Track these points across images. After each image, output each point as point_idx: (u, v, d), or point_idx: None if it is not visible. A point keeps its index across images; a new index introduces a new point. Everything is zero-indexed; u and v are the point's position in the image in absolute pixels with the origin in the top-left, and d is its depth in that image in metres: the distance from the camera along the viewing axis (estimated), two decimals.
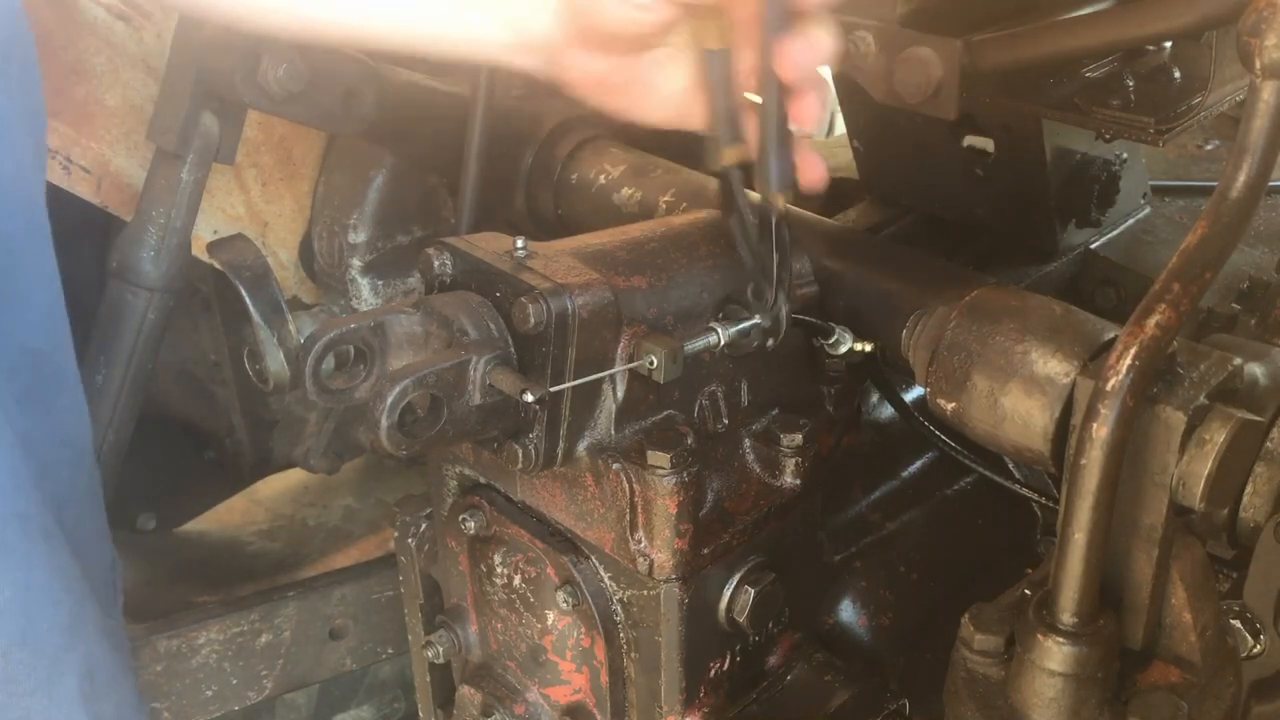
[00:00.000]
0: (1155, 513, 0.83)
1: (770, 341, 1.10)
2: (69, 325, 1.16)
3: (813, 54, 0.99)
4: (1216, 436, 0.80)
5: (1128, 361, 0.77)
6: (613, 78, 1.10)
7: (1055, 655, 0.83)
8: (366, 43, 1.21)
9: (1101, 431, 0.77)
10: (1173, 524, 0.84)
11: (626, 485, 1.05)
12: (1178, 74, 1.38)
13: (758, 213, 1.08)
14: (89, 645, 1.16)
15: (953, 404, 0.90)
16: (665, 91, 1.09)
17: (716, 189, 1.40)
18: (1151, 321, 0.78)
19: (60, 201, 1.37)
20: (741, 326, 1.08)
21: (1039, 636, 0.83)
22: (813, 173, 1.05)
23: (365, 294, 1.68)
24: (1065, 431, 0.85)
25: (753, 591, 1.14)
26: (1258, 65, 0.80)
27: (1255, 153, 0.82)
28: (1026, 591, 0.90)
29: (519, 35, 1.10)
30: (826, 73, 1.11)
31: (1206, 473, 0.80)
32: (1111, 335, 0.86)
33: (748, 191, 1.09)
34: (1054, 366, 0.85)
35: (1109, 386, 0.77)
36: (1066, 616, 0.82)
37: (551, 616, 1.19)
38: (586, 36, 1.06)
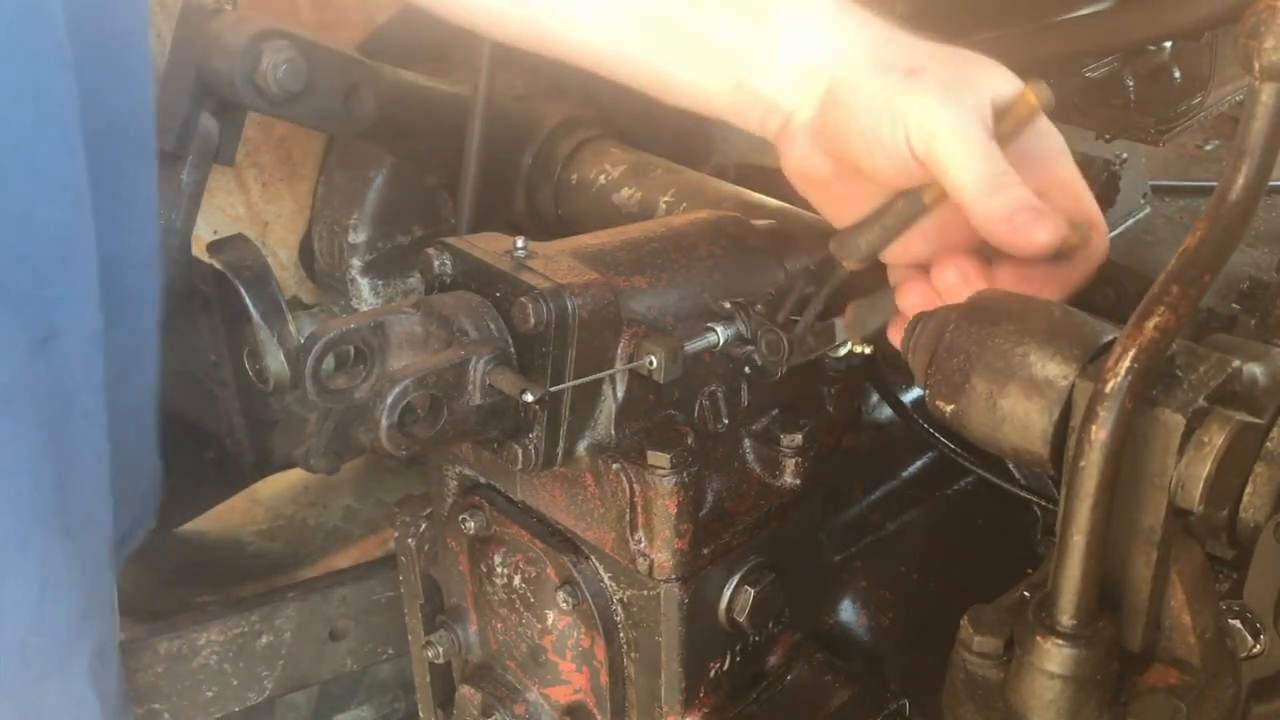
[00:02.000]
0: (1154, 515, 0.83)
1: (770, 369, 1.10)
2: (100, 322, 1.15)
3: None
4: (1215, 439, 0.80)
5: (1126, 364, 0.77)
6: (828, 184, 1.08)
7: (1054, 657, 0.82)
8: (591, 69, 1.15)
9: (1100, 434, 0.77)
10: (1172, 526, 0.84)
11: (626, 485, 1.06)
12: (1178, 74, 1.38)
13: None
14: (101, 624, 1.17)
15: (952, 406, 0.90)
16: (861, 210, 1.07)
17: (716, 189, 1.40)
18: (1150, 324, 0.78)
19: None
20: (738, 352, 1.09)
21: (1038, 638, 0.83)
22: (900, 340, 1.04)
23: (365, 294, 1.68)
24: (1064, 434, 0.85)
25: (753, 591, 1.14)
26: (1257, 67, 0.80)
27: (1254, 155, 0.82)
28: (1025, 593, 0.90)
29: (759, 101, 1.07)
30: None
31: (1205, 475, 0.80)
32: (1110, 338, 0.86)
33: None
34: (1053, 369, 0.85)
35: (1108, 389, 0.77)
36: (1065, 619, 0.82)
37: (551, 616, 1.19)
38: (826, 143, 1.04)
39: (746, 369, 1.10)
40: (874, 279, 1.10)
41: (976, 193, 0.93)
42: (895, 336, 1.04)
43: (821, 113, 1.03)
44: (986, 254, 1.02)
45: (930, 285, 1.03)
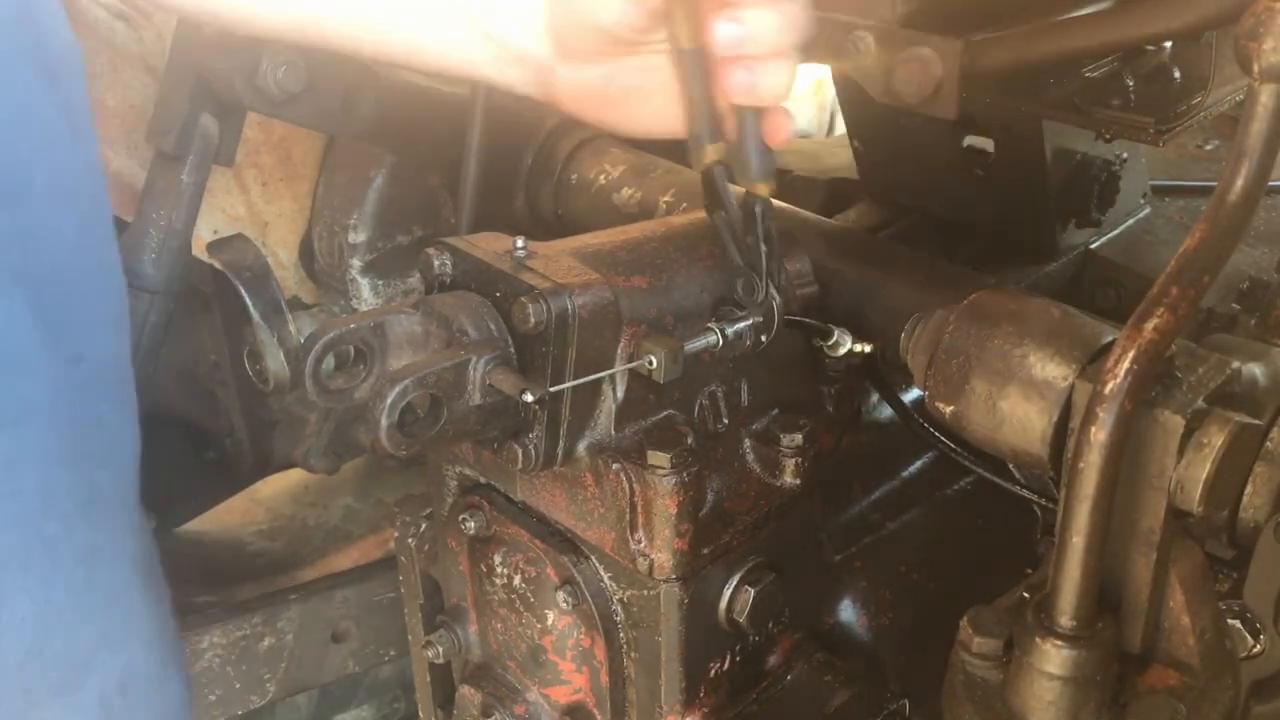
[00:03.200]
0: (1154, 516, 0.83)
1: (763, 338, 1.10)
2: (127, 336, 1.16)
3: (764, 87, 1.00)
4: (1215, 440, 0.80)
5: (1126, 365, 0.77)
6: (605, 89, 1.09)
7: (1054, 659, 0.83)
8: (352, 51, 1.19)
9: (1100, 435, 0.77)
10: (1171, 527, 0.84)
11: (626, 485, 1.06)
12: (1178, 74, 1.38)
13: (743, 207, 1.08)
14: (128, 656, 1.16)
15: (951, 407, 0.90)
16: (658, 99, 1.08)
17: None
18: (1150, 325, 0.78)
19: None
20: (738, 327, 1.08)
21: (1037, 640, 0.83)
22: (781, 131, 1.05)
23: (365, 294, 1.68)
24: (1064, 435, 0.85)
25: (753, 591, 1.14)
26: (1256, 69, 0.80)
27: (1253, 156, 0.82)
28: (1025, 594, 0.90)
29: (504, 50, 1.09)
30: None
31: (1205, 476, 0.80)
32: (1110, 338, 0.86)
33: (732, 187, 1.08)
34: (1052, 370, 0.86)
35: (1107, 390, 0.77)
36: (1065, 620, 0.82)
37: (551, 616, 1.19)
38: (574, 45, 1.06)
39: (750, 341, 1.09)
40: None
41: None
42: (773, 134, 1.05)
43: (555, 30, 1.06)
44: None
45: (737, 63, 1.02)
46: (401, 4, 1.10)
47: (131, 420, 1.16)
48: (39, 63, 0.99)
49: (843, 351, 1.15)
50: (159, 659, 1.22)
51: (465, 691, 1.32)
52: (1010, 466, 1.32)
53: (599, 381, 1.05)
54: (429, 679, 1.45)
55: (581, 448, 1.07)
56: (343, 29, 1.14)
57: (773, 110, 1.04)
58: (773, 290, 1.08)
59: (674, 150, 1.60)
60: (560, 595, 1.14)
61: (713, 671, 1.17)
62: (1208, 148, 2.00)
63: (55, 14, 1.03)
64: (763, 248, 1.07)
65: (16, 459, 1.00)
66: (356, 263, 1.67)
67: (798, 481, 1.16)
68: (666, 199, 1.48)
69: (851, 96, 1.66)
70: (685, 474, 1.05)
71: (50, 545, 1.04)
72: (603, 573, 1.14)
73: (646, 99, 1.09)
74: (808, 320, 1.17)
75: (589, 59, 1.07)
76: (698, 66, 1.03)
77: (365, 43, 1.15)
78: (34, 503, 1.01)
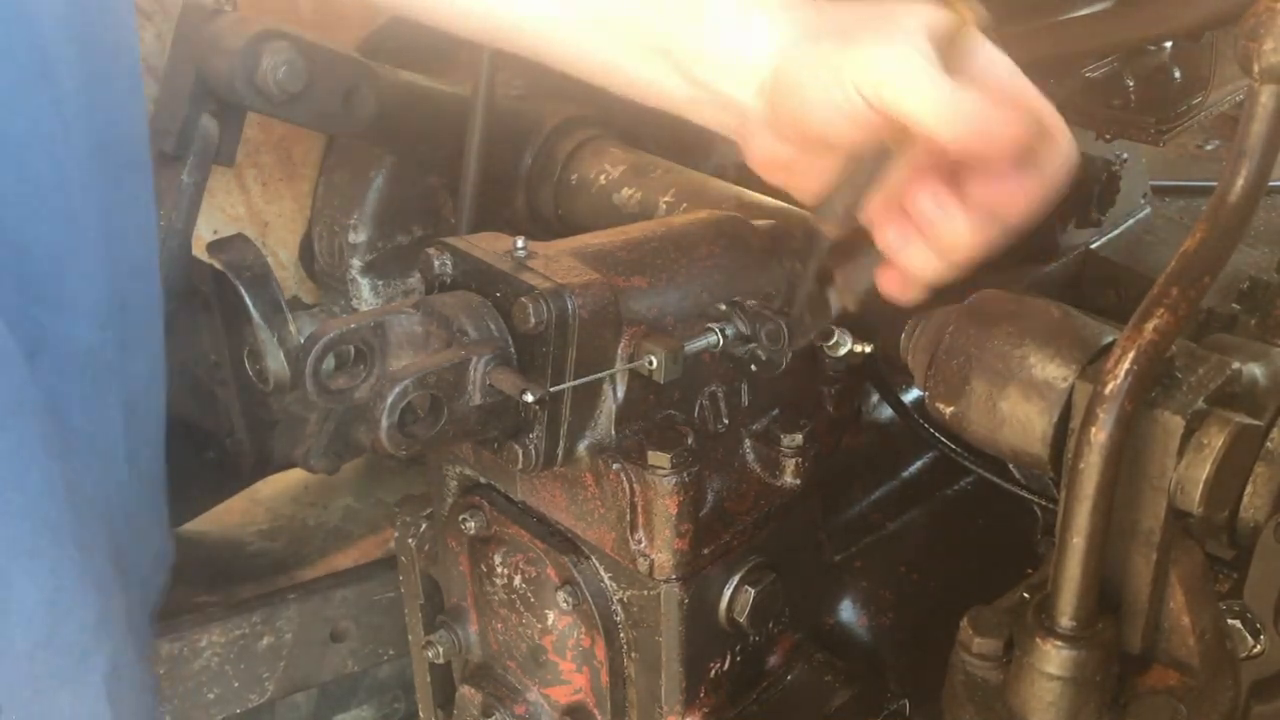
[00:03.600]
0: (1154, 517, 0.83)
1: (753, 367, 1.10)
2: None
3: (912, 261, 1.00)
4: (1215, 441, 0.80)
5: (1126, 366, 0.77)
6: (795, 162, 1.07)
7: (1054, 659, 0.83)
8: (543, 60, 1.16)
9: (1100, 436, 0.77)
10: (1171, 528, 0.84)
11: (626, 485, 1.06)
12: (1178, 74, 1.38)
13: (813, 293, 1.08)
14: (115, 643, 1.17)
15: (951, 408, 0.90)
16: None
17: (716, 189, 1.39)
18: (1150, 326, 0.78)
19: None
20: (740, 351, 1.08)
21: (1037, 640, 0.83)
22: (893, 290, 1.04)
23: (365, 294, 1.68)
24: (1064, 435, 0.85)
25: (753, 591, 1.14)
26: (1256, 69, 0.80)
27: (1253, 156, 0.82)
28: (1025, 595, 0.90)
29: (707, 93, 1.07)
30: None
31: (1205, 477, 0.80)
32: (1110, 339, 0.86)
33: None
34: (1052, 371, 0.86)
35: (1107, 391, 0.77)
36: (1065, 620, 0.82)
37: (552, 616, 1.19)
38: (783, 126, 1.04)
39: (753, 366, 1.10)
40: (860, 244, 1.09)
41: (936, 116, 0.94)
42: (888, 286, 1.04)
43: (773, 99, 1.03)
44: (955, 178, 1.02)
45: (907, 219, 1.03)
46: (608, 36, 1.09)
47: (114, 410, 1.16)
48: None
49: (843, 351, 1.15)
50: (136, 646, 1.23)
51: (465, 691, 1.32)
52: (1010, 466, 1.32)
53: (599, 381, 1.05)
54: (429, 679, 1.45)
55: (582, 448, 1.07)
56: (545, 47, 1.13)
57: (903, 272, 1.04)
58: (786, 352, 1.08)
59: (674, 150, 1.60)
60: (560, 595, 1.14)
61: (713, 671, 1.17)
62: (1208, 148, 2.00)
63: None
64: (797, 324, 1.07)
65: (19, 448, 1.00)
66: (356, 263, 1.67)
67: (798, 481, 1.16)
68: (666, 199, 1.48)
69: None
70: (685, 474, 1.05)
71: (55, 529, 1.04)
72: (603, 573, 1.14)
73: (826, 175, 1.07)
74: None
75: (790, 141, 1.05)
76: (876, 166, 1.01)
77: (563, 60, 1.13)
78: (39, 487, 1.01)
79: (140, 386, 1.21)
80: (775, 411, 1.19)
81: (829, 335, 1.16)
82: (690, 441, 1.06)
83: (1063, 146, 1.00)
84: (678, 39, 1.06)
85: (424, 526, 1.34)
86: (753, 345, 1.08)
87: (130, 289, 1.17)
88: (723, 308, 1.09)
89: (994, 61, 1.01)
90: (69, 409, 1.08)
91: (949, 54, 0.98)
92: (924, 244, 1.00)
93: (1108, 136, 1.41)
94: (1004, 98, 0.97)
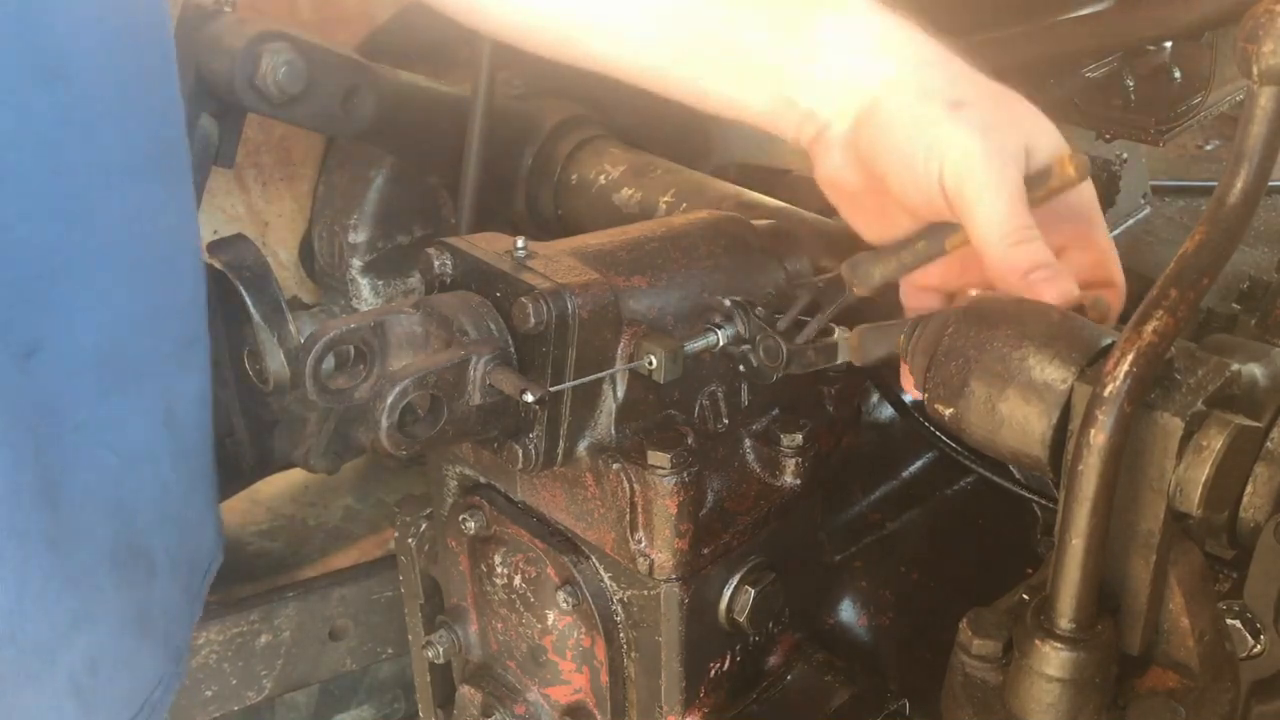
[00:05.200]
0: (1153, 518, 0.83)
1: (740, 367, 1.10)
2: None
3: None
4: (1214, 443, 0.80)
5: (1125, 368, 0.77)
6: (859, 195, 1.06)
7: (1053, 661, 0.83)
8: (634, 79, 1.13)
9: (1099, 438, 0.77)
10: (1170, 530, 0.84)
11: (626, 485, 1.06)
12: (1178, 74, 1.38)
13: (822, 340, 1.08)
14: (96, 637, 1.16)
15: (950, 409, 0.90)
16: (895, 219, 1.05)
17: (716, 189, 1.39)
18: (1149, 328, 0.78)
19: None
20: (735, 350, 1.08)
21: (1036, 642, 0.83)
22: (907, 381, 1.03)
23: (365, 294, 1.69)
24: (1063, 437, 0.85)
25: (753, 591, 1.14)
26: (1255, 71, 0.80)
27: (1253, 158, 0.82)
28: (1024, 596, 0.90)
29: (794, 109, 1.05)
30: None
31: (1204, 479, 0.80)
32: (1109, 341, 0.86)
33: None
34: (1051, 372, 0.85)
35: (1106, 393, 0.77)
36: (1064, 622, 0.82)
37: (552, 616, 1.19)
38: (860, 156, 1.02)
39: (742, 368, 1.10)
40: (884, 302, 1.09)
41: (997, 242, 0.94)
42: (907, 384, 1.02)
43: (858, 127, 1.02)
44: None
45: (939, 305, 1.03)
46: (704, 59, 1.06)
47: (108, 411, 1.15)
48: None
49: (842, 359, 1.15)
50: (132, 641, 1.22)
51: (465, 691, 1.33)
52: (1010, 466, 1.32)
53: (599, 381, 1.05)
54: (429, 679, 1.45)
55: (582, 448, 1.07)
56: (625, 63, 1.10)
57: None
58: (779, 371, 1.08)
59: (674, 150, 1.61)
60: (560, 595, 1.14)
61: (713, 671, 1.17)
62: (1208, 148, 2.00)
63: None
64: (799, 355, 1.07)
65: None
66: (356, 263, 1.67)
67: (798, 481, 1.16)
68: (666, 199, 1.48)
69: None
70: (685, 474, 1.05)
71: (20, 535, 1.03)
72: (603, 573, 1.14)
73: (886, 220, 1.06)
74: (808, 319, 1.17)
75: (864, 177, 1.04)
76: (938, 242, 1.00)
77: (644, 77, 1.11)
78: (4, 493, 1.01)
79: (178, 387, 1.20)
80: (775, 411, 1.19)
81: (829, 334, 1.16)
82: (690, 441, 1.06)
83: (1115, 307, 1.00)
84: (776, 57, 1.04)
85: (424, 526, 1.34)
86: (748, 349, 1.08)
87: (166, 292, 1.16)
88: (727, 304, 1.08)
89: (1085, 209, 1.01)
90: (68, 410, 1.08)
91: (1041, 193, 0.96)
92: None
93: (1108, 136, 1.41)
94: (1077, 248, 0.99)
